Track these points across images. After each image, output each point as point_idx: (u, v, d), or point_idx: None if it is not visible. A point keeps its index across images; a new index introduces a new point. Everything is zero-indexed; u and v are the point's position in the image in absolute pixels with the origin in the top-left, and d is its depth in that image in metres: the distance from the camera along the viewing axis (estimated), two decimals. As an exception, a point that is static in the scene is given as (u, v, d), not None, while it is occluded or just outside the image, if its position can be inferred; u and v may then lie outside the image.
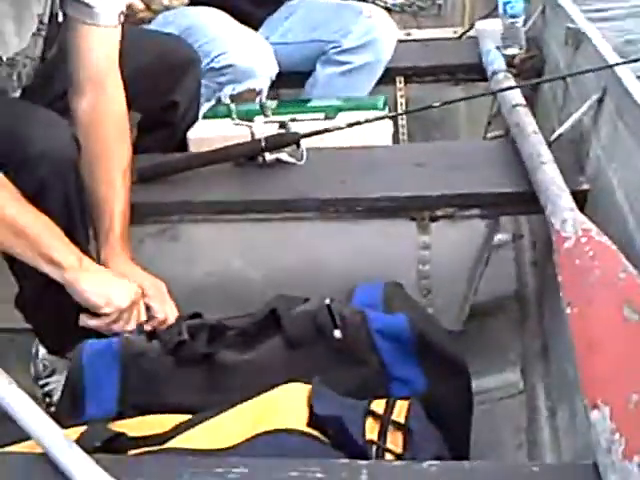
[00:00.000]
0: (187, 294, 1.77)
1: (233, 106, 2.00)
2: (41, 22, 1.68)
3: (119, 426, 1.24)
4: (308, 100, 2.35)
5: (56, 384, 1.76)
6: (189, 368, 1.40)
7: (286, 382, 1.28)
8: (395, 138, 2.28)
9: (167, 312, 1.62)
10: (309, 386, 1.23)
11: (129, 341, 1.46)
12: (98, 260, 1.64)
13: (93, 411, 1.37)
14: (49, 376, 1.78)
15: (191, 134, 2.12)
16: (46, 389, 1.78)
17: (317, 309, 1.42)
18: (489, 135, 2.68)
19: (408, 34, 3.17)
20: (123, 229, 1.68)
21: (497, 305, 1.99)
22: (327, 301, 1.43)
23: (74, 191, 1.61)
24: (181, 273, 1.82)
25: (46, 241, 1.49)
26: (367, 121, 1.83)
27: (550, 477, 0.98)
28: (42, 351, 1.79)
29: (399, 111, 2.68)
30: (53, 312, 1.65)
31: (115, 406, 1.37)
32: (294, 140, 1.84)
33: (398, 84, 2.69)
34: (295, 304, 1.49)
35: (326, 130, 1.84)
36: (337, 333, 1.39)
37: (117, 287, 1.55)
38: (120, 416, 1.29)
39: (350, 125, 1.82)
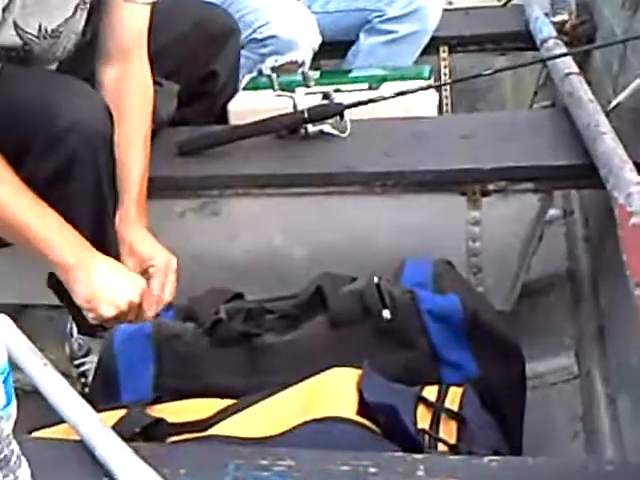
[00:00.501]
0: (227, 270, 1.72)
1: (275, 77, 1.93)
2: None
3: (158, 411, 1.19)
4: (351, 70, 2.27)
5: (91, 364, 1.71)
6: (227, 349, 1.33)
7: (330, 364, 1.22)
8: (439, 109, 2.19)
9: (165, 291, 1.56)
10: (358, 371, 1.16)
11: (162, 323, 1.39)
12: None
13: (128, 397, 1.31)
14: (85, 356, 1.73)
15: (231, 106, 2.06)
16: (81, 369, 1.73)
17: (365, 287, 1.35)
18: (536, 105, 2.60)
19: (450, 2, 3.08)
20: (140, 195, 1.62)
21: (548, 284, 1.91)
22: (376, 280, 1.36)
23: (105, 166, 1.54)
24: (221, 249, 1.77)
25: (40, 235, 1.44)
26: (412, 91, 1.76)
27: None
28: (76, 330, 1.74)
29: (443, 80, 2.59)
30: None
31: (151, 391, 1.31)
32: (337, 111, 1.77)
33: (442, 54, 2.62)
34: (342, 283, 1.42)
35: (370, 101, 1.77)
36: (386, 313, 1.32)
37: (115, 288, 1.48)
38: (157, 400, 1.22)
39: (395, 95, 1.74)
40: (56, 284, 1.57)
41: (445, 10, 2.69)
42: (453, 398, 1.16)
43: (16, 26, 1.54)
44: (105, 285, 1.47)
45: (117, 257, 1.58)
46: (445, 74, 2.59)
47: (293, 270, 1.73)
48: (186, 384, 1.30)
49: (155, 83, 1.90)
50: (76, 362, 1.73)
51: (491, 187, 1.64)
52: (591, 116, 1.61)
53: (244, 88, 2.15)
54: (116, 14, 1.66)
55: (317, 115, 1.77)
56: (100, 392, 1.33)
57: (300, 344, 1.34)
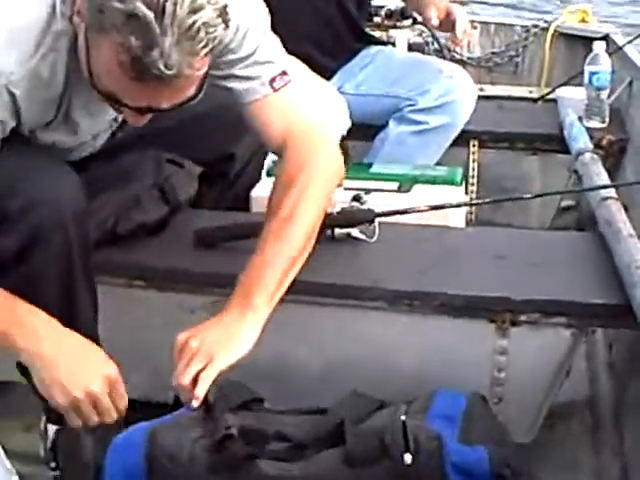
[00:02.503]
0: (239, 377, 1.63)
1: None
2: (115, 120, 1.64)
3: None
4: (371, 164, 2.21)
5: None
6: (227, 475, 1.26)
7: None
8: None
9: None
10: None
11: (157, 434, 1.30)
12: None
13: None
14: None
15: (254, 192, 1.99)
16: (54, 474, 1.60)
17: (390, 424, 1.27)
18: (562, 204, 2.54)
19: (481, 89, 3.02)
20: (253, 280, 1.46)
21: (568, 410, 1.83)
22: (403, 417, 1.28)
23: (77, 246, 1.47)
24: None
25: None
26: (447, 206, 1.68)
27: None
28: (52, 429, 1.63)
29: (470, 174, 2.53)
30: None
31: None
32: (368, 219, 1.70)
33: (472, 147, 2.55)
34: (368, 408, 1.38)
35: (403, 212, 1.70)
36: (408, 458, 1.25)
37: (74, 373, 1.37)
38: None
39: (430, 208, 1.67)
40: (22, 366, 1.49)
41: (477, 97, 2.63)
42: None
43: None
44: (65, 369, 1.37)
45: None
46: (474, 169, 2.52)
47: (309, 382, 1.66)
48: None
49: (177, 164, 1.85)
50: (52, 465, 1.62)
51: (522, 317, 1.57)
52: (632, 255, 1.55)
53: (268, 173, 2.07)
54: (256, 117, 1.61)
55: (346, 219, 1.70)
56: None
57: (311, 477, 1.26)
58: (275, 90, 1.58)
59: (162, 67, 1.25)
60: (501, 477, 1.22)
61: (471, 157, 2.56)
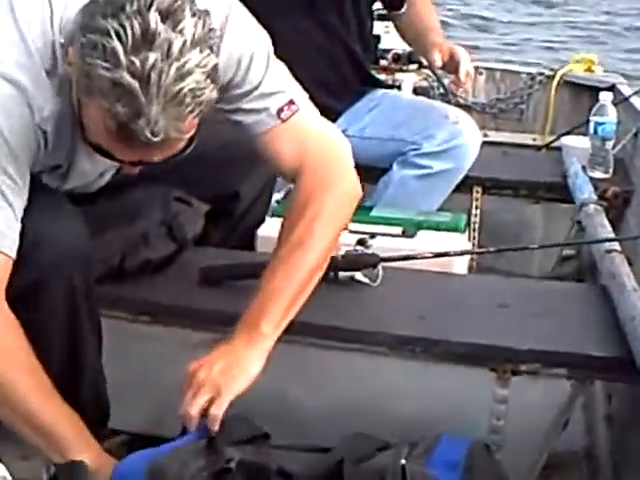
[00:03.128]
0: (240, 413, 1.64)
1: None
2: None
3: None
4: (372, 208, 2.22)
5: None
6: None
7: None
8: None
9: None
10: None
11: (158, 465, 1.31)
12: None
13: None
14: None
15: (260, 231, 2.00)
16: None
17: (389, 466, 1.28)
18: (564, 253, 2.55)
19: (485, 135, 3.05)
20: (261, 307, 1.47)
21: (566, 462, 1.83)
22: (403, 461, 1.29)
23: (82, 292, 1.49)
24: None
25: (60, 434, 1.40)
26: (455, 254, 1.70)
27: None
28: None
29: (473, 220, 2.55)
30: None
31: None
32: (372, 263, 1.71)
33: (475, 194, 2.57)
34: (370, 448, 1.39)
35: (409, 257, 1.71)
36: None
37: None
38: None
39: (435, 255, 1.68)
40: None
41: (481, 143, 2.64)
42: None
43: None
44: None
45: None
46: (476, 215, 2.54)
47: (307, 423, 1.65)
48: None
49: (184, 202, 1.86)
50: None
51: (523, 367, 1.58)
52: (636, 309, 1.56)
53: (273, 214, 2.09)
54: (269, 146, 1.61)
55: (351, 264, 1.71)
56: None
57: None
58: (283, 121, 1.57)
59: (149, 134, 1.25)
60: None
61: (474, 203, 2.57)
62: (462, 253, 1.79)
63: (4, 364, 1.38)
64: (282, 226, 1.56)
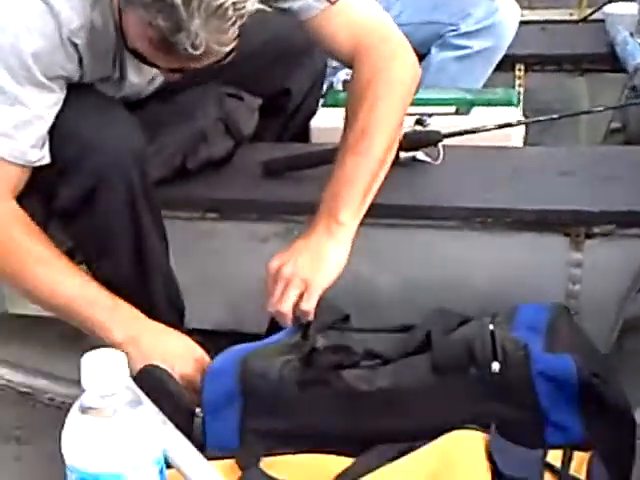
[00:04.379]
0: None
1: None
2: None
3: (269, 466, 1.13)
4: (431, 89, 2.19)
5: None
6: (319, 389, 1.28)
7: (430, 411, 1.21)
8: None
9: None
10: (482, 434, 1.09)
11: (247, 360, 1.32)
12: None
13: (212, 439, 1.27)
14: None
15: (313, 123, 1.99)
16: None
17: (478, 333, 1.28)
18: (611, 126, 2.51)
19: (522, 15, 2.99)
20: (337, 197, 1.44)
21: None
22: (491, 326, 1.29)
23: (140, 190, 1.46)
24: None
25: (84, 313, 1.38)
26: (519, 123, 1.68)
27: None
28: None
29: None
30: None
31: (236, 433, 1.27)
32: (435, 141, 1.70)
33: (517, 72, 2.53)
34: (453, 322, 1.37)
35: (470, 131, 1.70)
36: (495, 366, 1.25)
37: (167, 360, 1.36)
38: (267, 453, 1.16)
39: (500, 127, 1.67)
40: None
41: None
42: (579, 465, 1.10)
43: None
44: (157, 358, 1.36)
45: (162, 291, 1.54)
46: (520, 93, 2.50)
47: (379, 303, 1.67)
48: (273, 426, 1.26)
49: (236, 97, 1.85)
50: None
51: (597, 230, 1.58)
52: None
53: (324, 104, 2.08)
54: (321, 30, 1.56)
55: (412, 142, 1.70)
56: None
57: (399, 387, 1.27)
58: (332, 3, 1.53)
59: (189, 48, 1.22)
60: (588, 385, 1.22)
61: (517, 82, 2.54)
62: (525, 123, 1.77)
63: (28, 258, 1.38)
64: (345, 114, 1.53)
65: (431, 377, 1.26)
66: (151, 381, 1.28)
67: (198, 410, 1.27)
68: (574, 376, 1.22)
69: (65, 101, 1.43)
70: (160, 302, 1.56)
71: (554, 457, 1.12)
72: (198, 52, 1.23)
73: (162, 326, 1.42)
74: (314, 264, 1.40)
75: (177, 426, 1.13)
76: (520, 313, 1.41)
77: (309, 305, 1.38)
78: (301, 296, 1.39)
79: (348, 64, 1.59)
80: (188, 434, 1.20)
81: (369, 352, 1.37)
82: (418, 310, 1.51)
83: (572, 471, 1.10)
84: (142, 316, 1.40)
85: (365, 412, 1.25)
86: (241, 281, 1.74)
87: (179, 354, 1.38)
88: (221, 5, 1.21)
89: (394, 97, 1.51)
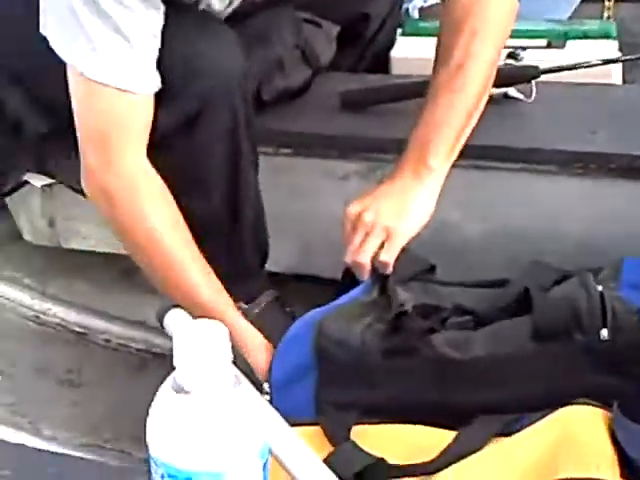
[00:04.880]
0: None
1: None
2: None
3: (359, 436, 1.03)
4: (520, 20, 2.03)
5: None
6: (404, 357, 1.16)
7: (531, 382, 1.10)
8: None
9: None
10: (601, 411, 0.99)
11: (324, 325, 1.20)
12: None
13: (285, 405, 1.14)
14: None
15: (394, 53, 1.86)
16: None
17: (583, 295, 1.16)
18: None
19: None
20: (427, 139, 1.31)
21: None
22: (600, 287, 1.17)
23: (243, 116, 1.34)
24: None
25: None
26: (627, 59, 1.54)
27: None
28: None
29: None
30: None
31: (312, 403, 1.16)
32: (532, 76, 1.56)
33: (606, 2, 2.36)
34: (552, 277, 1.25)
35: (572, 67, 1.56)
36: (604, 333, 1.13)
37: None
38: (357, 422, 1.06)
39: (605, 62, 1.53)
40: None
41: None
42: None
43: None
44: None
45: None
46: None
47: (468, 253, 1.55)
48: (356, 397, 1.15)
49: (314, 23, 1.72)
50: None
51: None
52: None
53: (402, 33, 1.94)
54: None
55: (506, 79, 1.56)
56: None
57: (495, 355, 1.16)
58: None
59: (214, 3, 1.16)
60: None
61: (605, 13, 2.37)
62: (629, 59, 1.63)
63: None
64: (437, 47, 1.38)
65: (531, 344, 1.14)
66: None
67: (266, 385, 1.17)
68: None
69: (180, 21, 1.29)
70: (247, 242, 1.46)
71: None
72: (229, 10, 1.12)
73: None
74: (399, 212, 1.27)
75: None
76: (626, 268, 1.28)
77: (389, 256, 1.26)
78: (382, 246, 1.26)
79: None
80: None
81: (458, 307, 1.26)
82: (510, 261, 1.42)
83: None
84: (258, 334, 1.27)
85: (458, 382, 1.14)
86: (317, 221, 1.63)
87: None
88: None
89: (492, 31, 1.37)
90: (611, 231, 1.48)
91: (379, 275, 1.27)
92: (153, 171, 1.25)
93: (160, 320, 1.08)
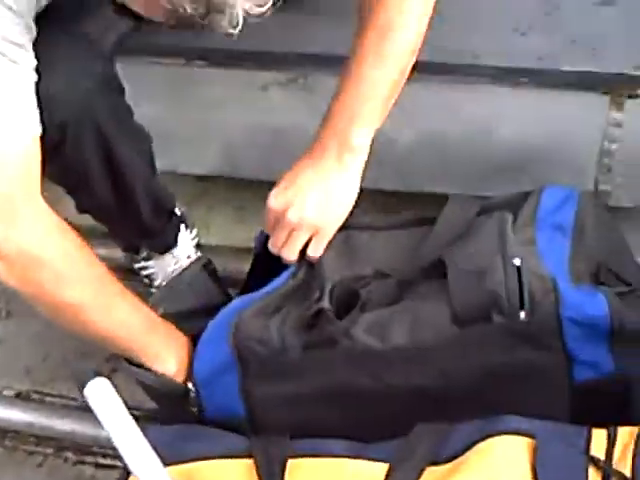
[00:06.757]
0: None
1: None
2: None
3: (292, 471, 1.05)
4: None
5: (153, 269, 1.55)
6: (324, 350, 1.16)
7: (453, 364, 1.12)
8: None
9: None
10: (526, 443, 1.01)
11: (240, 323, 1.17)
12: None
13: (212, 409, 1.19)
14: (146, 259, 1.56)
15: None
16: (145, 272, 1.56)
17: (499, 271, 1.13)
18: None
19: None
20: (351, 115, 1.20)
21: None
22: (517, 262, 1.15)
23: (107, 122, 1.28)
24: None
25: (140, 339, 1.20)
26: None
27: None
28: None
29: None
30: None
31: (240, 402, 1.17)
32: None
33: None
34: (470, 212, 1.22)
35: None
36: (522, 315, 1.13)
37: None
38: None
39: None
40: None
41: None
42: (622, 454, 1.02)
43: None
44: None
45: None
46: None
47: (396, 156, 1.53)
48: (281, 389, 1.16)
49: None
50: (137, 266, 1.56)
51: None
52: None
53: None
54: None
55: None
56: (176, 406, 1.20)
57: (416, 343, 1.14)
58: None
59: (229, 28, 0.98)
60: (621, 326, 1.10)
61: None
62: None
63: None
64: (360, 10, 1.22)
65: (452, 328, 1.13)
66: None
67: (190, 385, 1.17)
68: (606, 320, 1.10)
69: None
70: (146, 212, 1.43)
71: (598, 446, 1.01)
72: (237, 30, 0.98)
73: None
74: (324, 207, 1.21)
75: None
76: (545, 201, 1.24)
77: (317, 252, 1.22)
78: (309, 241, 1.22)
79: None
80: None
81: (378, 272, 1.23)
82: (442, 169, 1.47)
83: (616, 464, 1.00)
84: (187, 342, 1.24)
85: (383, 370, 1.14)
86: (238, 129, 1.61)
87: None
88: None
89: None
90: (545, 136, 1.49)
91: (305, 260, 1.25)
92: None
93: (80, 389, 1.07)
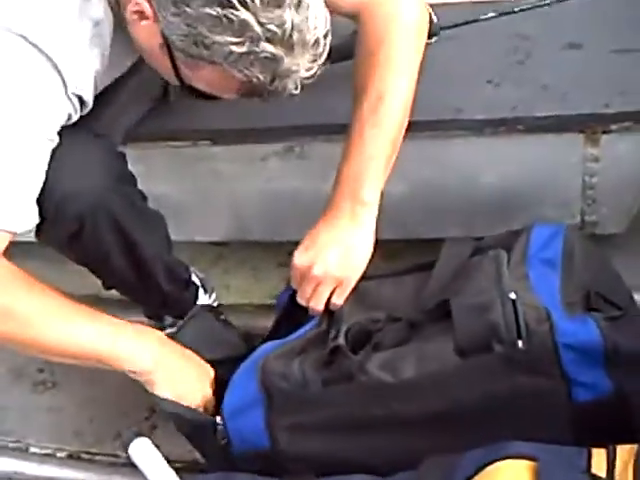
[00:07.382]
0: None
1: None
2: None
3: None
4: None
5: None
6: (343, 385, 1.26)
7: (458, 393, 1.21)
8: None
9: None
10: (529, 467, 1.08)
11: (268, 362, 1.29)
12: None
13: (239, 442, 1.28)
14: (170, 326, 1.66)
15: None
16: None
17: (497, 304, 1.23)
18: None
19: None
20: (359, 174, 1.33)
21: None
22: (513, 296, 1.25)
23: (122, 209, 1.38)
24: (312, 192, 1.62)
25: (106, 352, 1.26)
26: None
27: None
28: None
29: None
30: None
31: (266, 434, 1.27)
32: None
33: None
34: (465, 252, 1.34)
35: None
36: (520, 344, 1.22)
37: (190, 388, 1.33)
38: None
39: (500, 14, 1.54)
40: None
41: None
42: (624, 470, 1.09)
43: None
44: (182, 380, 1.33)
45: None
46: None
47: (393, 210, 1.60)
48: (302, 419, 1.27)
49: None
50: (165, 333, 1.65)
51: (614, 127, 1.51)
52: None
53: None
54: None
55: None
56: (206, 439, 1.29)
57: (423, 375, 1.25)
58: None
59: (292, 90, 1.18)
60: (614, 347, 1.19)
61: None
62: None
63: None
64: (355, 78, 1.37)
65: (455, 359, 1.24)
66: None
67: (218, 419, 1.27)
68: (600, 343, 1.19)
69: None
70: (164, 284, 1.55)
71: (599, 464, 1.08)
72: (296, 91, 1.18)
73: (179, 347, 1.36)
74: (345, 260, 1.33)
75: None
76: (534, 239, 1.34)
77: (340, 300, 1.35)
78: (333, 291, 1.35)
79: (351, 16, 1.41)
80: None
81: (390, 316, 1.33)
82: (435, 216, 1.58)
83: (616, 476, 1.07)
84: (162, 336, 1.34)
85: (394, 401, 1.24)
86: (245, 197, 1.73)
87: (197, 380, 1.35)
88: (316, 41, 1.16)
89: (405, 59, 1.36)
90: (528, 179, 1.59)
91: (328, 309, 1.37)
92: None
93: (125, 449, 1.18)
